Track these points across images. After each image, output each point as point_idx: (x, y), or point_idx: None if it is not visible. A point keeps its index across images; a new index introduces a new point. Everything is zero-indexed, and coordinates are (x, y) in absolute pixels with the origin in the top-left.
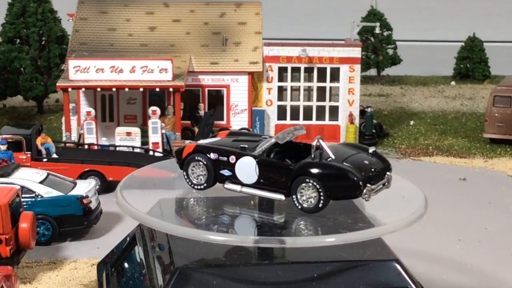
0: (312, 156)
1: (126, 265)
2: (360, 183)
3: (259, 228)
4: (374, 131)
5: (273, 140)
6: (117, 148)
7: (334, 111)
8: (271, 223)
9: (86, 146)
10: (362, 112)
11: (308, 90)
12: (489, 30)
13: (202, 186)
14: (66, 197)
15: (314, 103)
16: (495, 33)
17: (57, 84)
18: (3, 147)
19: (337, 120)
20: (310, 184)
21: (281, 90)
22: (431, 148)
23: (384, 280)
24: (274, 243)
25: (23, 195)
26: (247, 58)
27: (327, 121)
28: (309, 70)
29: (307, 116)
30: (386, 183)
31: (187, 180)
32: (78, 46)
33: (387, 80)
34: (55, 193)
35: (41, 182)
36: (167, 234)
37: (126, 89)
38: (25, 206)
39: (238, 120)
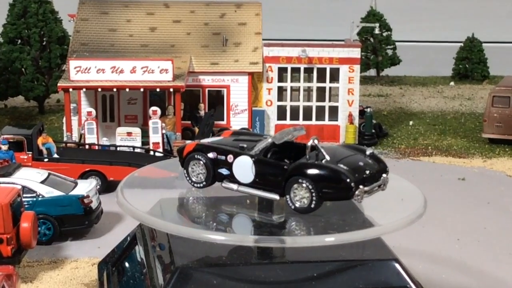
0: (307, 156)
1: (126, 264)
2: (352, 184)
3: (259, 228)
4: (373, 131)
5: (270, 140)
6: (118, 148)
7: (333, 111)
8: (271, 223)
9: (87, 146)
10: (362, 112)
11: (308, 90)
12: (488, 30)
13: (201, 184)
14: (67, 197)
15: (314, 104)
16: (494, 34)
17: (58, 84)
18: (4, 147)
19: (336, 120)
20: (303, 184)
21: (281, 90)
22: (430, 148)
23: (383, 279)
24: (274, 242)
25: (24, 195)
26: (247, 59)
27: (326, 121)
28: (308, 71)
29: (307, 116)
30: (382, 185)
31: (187, 178)
32: (79, 46)
33: (386, 80)
34: (56, 193)
35: (42, 182)
36: (168, 234)
37: (127, 90)
38: (26, 206)
39: (238, 120)
